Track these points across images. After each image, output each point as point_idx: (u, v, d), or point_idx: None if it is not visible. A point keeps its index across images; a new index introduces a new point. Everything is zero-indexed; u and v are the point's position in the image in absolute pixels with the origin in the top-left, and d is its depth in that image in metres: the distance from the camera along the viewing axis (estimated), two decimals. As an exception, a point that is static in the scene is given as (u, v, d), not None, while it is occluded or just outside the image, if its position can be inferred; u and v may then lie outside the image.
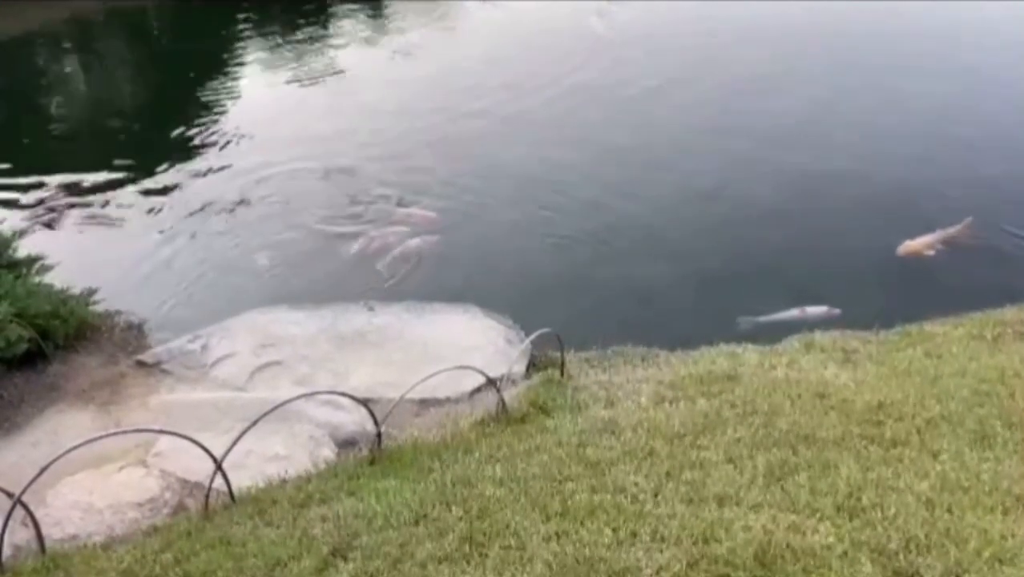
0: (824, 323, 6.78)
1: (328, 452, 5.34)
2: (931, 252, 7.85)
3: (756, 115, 11.09)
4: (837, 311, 7.04)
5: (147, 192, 9.93)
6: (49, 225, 9.16)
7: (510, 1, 16.79)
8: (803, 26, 14.55)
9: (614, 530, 3.87)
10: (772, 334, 6.60)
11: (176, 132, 11.47)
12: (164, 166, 10.50)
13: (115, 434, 4.97)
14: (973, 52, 13.03)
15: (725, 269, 7.93)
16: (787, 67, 12.65)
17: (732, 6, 15.24)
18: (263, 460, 5.13)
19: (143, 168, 10.43)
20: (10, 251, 6.90)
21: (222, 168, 10.50)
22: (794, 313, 7.10)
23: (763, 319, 7.04)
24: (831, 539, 3.70)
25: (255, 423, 4.47)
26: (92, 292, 7.03)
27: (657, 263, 8.10)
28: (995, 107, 11.32)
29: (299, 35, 15.45)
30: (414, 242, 8.50)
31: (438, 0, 17.20)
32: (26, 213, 9.37)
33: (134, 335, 6.88)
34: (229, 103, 12.65)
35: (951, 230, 8.10)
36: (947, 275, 7.65)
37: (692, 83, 12.30)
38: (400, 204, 9.27)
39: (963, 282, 7.51)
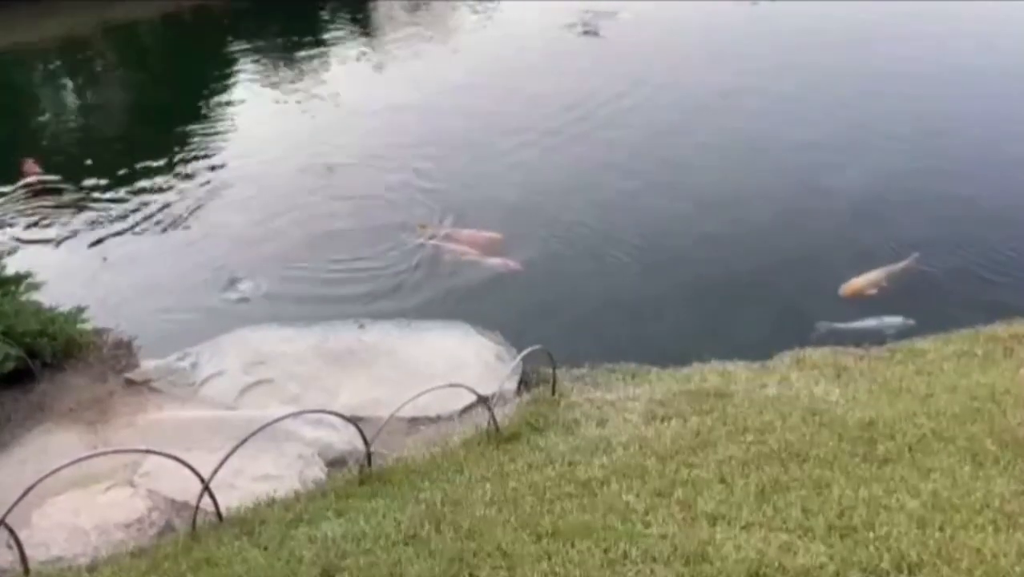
0: (900, 333, 6.81)
1: (317, 471, 5.29)
2: (874, 291, 7.58)
3: (744, 131, 11.14)
4: (912, 321, 6.99)
5: (140, 208, 9.88)
6: (37, 242, 9.11)
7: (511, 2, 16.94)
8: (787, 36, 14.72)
9: (605, 550, 3.84)
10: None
11: (167, 150, 11.42)
12: (157, 181, 10.47)
13: (102, 454, 4.93)
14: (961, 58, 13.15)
15: (716, 285, 7.92)
16: (758, 84, 12.70)
17: (721, 15, 15.38)
18: (252, 480, 5.08)
19: (137, 183, 10.40)
20: (-2, 269, 6.86)
21: (217, 184, 10.46)
22: (871, 323, 7.06)
23: (840, 326, 7.01)
24: (822, 559, 3.68)
25: (243, 442, 4.43)
26: (81, 310, 6.95)
27: (647, 279, 8.10)
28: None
29: (294, 54, 15.46)
30: (492, 263, 8.31)
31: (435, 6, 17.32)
32: (13, 230, 9.32)
33: (123, 353, 6.80)
34: (220, 120, 12.62)
35: (896, 266, 7.84)
36: (938, 292, 7.65)
37: (679, 99, 12.35)
38: (462, 224, 9.04)
39: (954, 298, 7.51)
